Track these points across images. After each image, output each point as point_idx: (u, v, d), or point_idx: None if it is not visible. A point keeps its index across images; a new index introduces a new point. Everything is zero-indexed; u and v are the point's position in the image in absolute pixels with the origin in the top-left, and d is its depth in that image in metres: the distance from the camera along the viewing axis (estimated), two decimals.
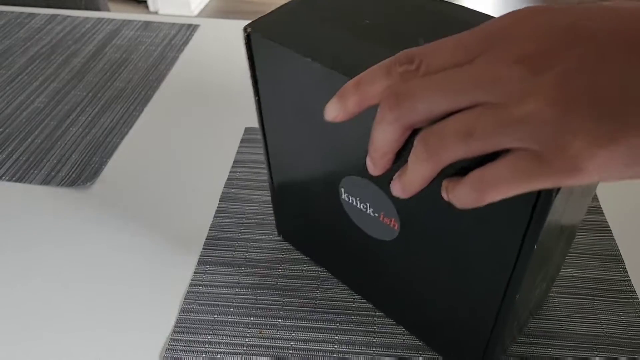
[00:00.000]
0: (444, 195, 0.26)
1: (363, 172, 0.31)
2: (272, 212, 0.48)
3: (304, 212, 0.40)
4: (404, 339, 0.38)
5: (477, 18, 0.32)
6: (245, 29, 0.32)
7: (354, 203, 0.34)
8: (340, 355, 0.37)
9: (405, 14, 0.33)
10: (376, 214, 0.33)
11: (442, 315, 0.35)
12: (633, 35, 0.21)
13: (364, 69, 0.26)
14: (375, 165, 0.28)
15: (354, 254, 0.38)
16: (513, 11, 0.24)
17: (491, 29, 0.24)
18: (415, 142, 0.25)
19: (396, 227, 0.32)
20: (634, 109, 0.21)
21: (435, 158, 0.24)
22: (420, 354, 0.37)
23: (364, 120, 0.27)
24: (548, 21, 0.23)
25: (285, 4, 0.34)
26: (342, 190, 0.34)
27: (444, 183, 0.26)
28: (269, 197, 0.49)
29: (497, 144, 0.22)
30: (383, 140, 0.26)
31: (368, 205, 0.33)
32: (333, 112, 0.27)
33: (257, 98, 0.36)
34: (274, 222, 0.45)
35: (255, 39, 0.32)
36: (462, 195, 0.25)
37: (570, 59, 0.21)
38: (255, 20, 0.33)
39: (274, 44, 0.31)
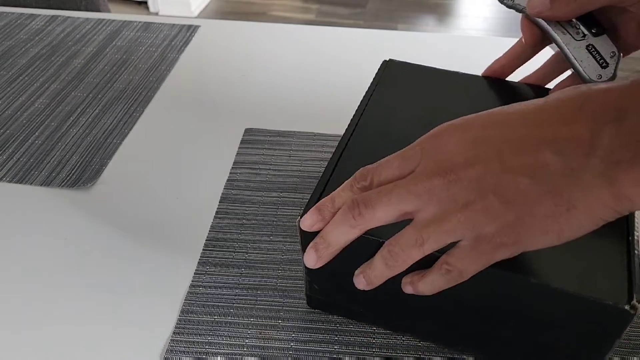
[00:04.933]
0: (407, 289, 0.32)
1: None
2: (272, 212, 0.48)
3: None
4: (403, 340, 0.38)
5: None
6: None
7: None
8: (340, 355, 0.37)
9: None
10: None
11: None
12: (520, 138, 0.29)
13: None
14: (320, 258, 0.33)
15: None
16: (438, 127, 0.32)
17: (425, 146, 0.31)
18: (382, 249, 0.32)
19: None
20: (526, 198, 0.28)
21: (400, 263, 0.31)
22: (420, 354, 0.37)
23: None
24: (460, 137, 0.30)
25: None
26: None
27: (407, 279, 0.32)
28: (269, 198, 0.49)
29: (443, 244, 0.30)
30: (341, 240, 0.32)
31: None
32: (311, 221, 0.33)
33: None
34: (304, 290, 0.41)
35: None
36: (432, 282, 0.31)
37: (477, 168, 0.29)
38: None
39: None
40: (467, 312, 0.34)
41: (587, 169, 0.26)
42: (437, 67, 0.48)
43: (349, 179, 0.33)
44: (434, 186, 0.29)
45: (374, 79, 0.47)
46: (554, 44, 0.43)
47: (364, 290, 0.34)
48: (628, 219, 0.34)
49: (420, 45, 0.74)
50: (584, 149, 0.27)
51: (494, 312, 0.33)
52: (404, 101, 0.44)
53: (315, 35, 0.75)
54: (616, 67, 0.41)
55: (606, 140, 0.26)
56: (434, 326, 0.37)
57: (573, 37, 0.41)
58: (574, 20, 0.41)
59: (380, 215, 0.31)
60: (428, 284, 0.31)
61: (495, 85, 0.46)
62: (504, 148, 0.29)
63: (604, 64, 0.40)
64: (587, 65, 0.41)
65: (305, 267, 0.36)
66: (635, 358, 0.37)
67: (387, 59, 0.49)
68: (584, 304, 0.30)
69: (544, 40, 0.44)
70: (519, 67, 0.47)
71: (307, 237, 0.34)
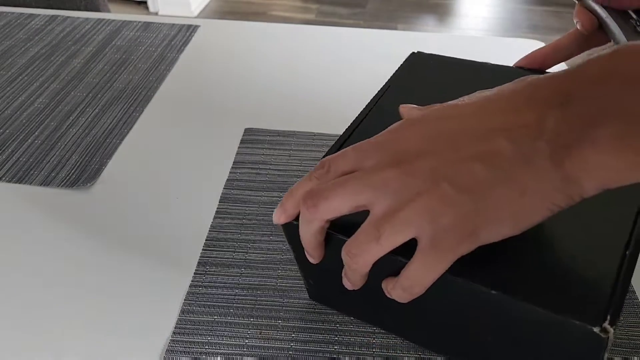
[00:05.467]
0: (387, 293, 0.32)
1: None
2: (272, 212, 0.48)
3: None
4: (403, 340, 0.38)
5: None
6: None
7: None
8: (340, 355, 0.37)
9: None
10: None
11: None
12: (474, 128, 0.29)
13: None
14: (312, 257, 0.34)
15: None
16: (397, 122, 0.32)
17: (381, 139, 0.31)
18: (342, 249, 0.30)
19: None
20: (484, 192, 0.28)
21: (360, 261, 0.30)
22: (420, 354, 0.37)
23: None
24: (415, 131, 0.30)
25: None
26: None
27: (384, 284, 0.32)
28: (269, 198, 0.49)
29: (402, 239, 0.29)
30: (307, 235, 0.32)
31: None
32: (277, 216, 0.34)
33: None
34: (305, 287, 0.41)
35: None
36: (399, 295, 0.31)
37: (431, 158, 0.29)
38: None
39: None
40: (443, 320, 0.33)
41: (537, 154, 0.26)
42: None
43: (312, 169, 0.33)
44: (388, 177, 0.29)
45: (398, 68, 0.46)
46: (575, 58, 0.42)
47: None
48: (632, 233, 0.31)
49: (420, 45, 0.74)
50: (532, 134, 0.27)
51: (471, 323, 0.32)
52: (425, 90, 0.43)
53: (315, 35, 0.75)
54: None
55: (552, 124, 0.26)
56: (418, 330, 0.37)
57: (632, 31, 0.40)
58: (631, 13, 0.41)
59: (336, 206, 0.30)
60: (399, 293, 0.31)
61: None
62: (458, 138, 0.29)
63: None
64: None
65: (298, 263, 0.36)
66: (635, 358, 0.37)
67: (415, 51, 0.48)
68: (551, 321, 0.28)
69: (598, 35, 0.43)
70: (563, 61, 0.45)
71: (289, 233, 0.34)
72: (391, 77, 0.46)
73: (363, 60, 0.70)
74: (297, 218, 0.33)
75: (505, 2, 2.80)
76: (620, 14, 0.41)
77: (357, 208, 0.30)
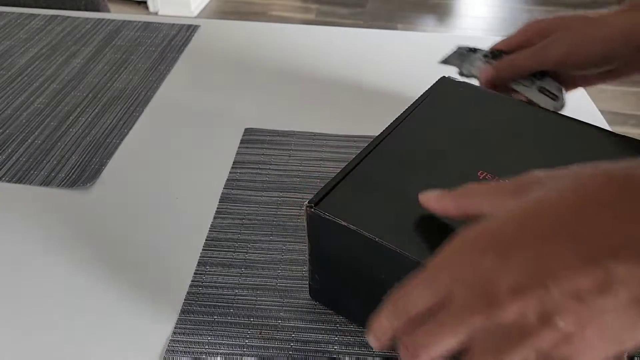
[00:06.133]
0: None
1: None
2: (272, 212, 0.48)
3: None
4: None
5: None
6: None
7: None
8: (340, 355, 0.37)
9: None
10: None
11: None
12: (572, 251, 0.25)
13: None
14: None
15: None
16: (459, 238, 0.28)
17: (451, 269, 0.28)
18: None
19: None
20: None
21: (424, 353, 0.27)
22: None
23: None
24: (493, 257, 0.26)
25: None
26: None
27: None
28: (269, 198, 0.49)
29: None
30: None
31: None
32: (372, 342, 0.30)
33: None
34: (307, 283, 0.41)
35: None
36: None
37: (529, 298, 0.25)
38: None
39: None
40: None
41: None
42: (492, 91, 0.48)
43: (384, 311, 0.29)
44: (479, 327, 0.26)
45: (424, 92, 0.46)
46: None
47: (367, 290, 0.34)
48: None
49: (420, 45, 0.74)
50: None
51: None
52: (448, 117, 0.43)
53: (315, 35, 0.75)
54: (564, 97, 0.50)
55: None
56: None
57: (526, 85, 0.50)
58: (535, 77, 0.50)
59: (438, 352, 0.27)
60: None
61: (553, 122, 0.43)
62: (553, 266, 0.25)
63: (555, 98, 0.49)
64: (544, 103, 0.48)
65: (309, 255, 0.36)
66: (635, 358, 0.37)
67: (444, 76, 0.48)
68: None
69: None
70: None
71: (312, 224, 0.34)
72: (417, 99, 0.45)
73: (363, 60, 0.70)
74: (323, 211, 0.34)
75: (505, 2, 2.80)
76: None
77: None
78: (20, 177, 0.51)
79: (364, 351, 0.38)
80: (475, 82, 0.51)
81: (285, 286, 0.42)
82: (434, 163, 0.38)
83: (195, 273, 0.43)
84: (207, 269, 0.43)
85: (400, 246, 0.32)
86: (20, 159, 0.53)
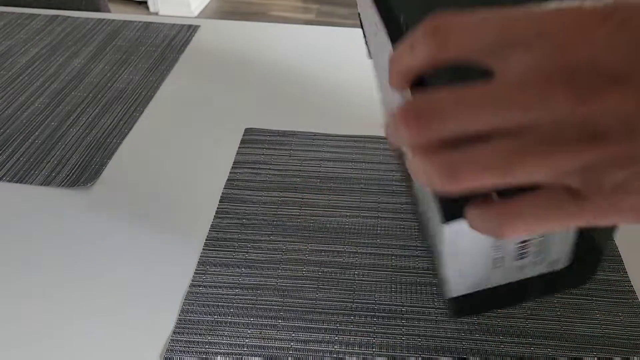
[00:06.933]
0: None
1: None
2: (272, 212, 0.48)
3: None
4: (403, 340, 0.38)
5: None
6: None
7: None
8: (340, 355, 0.37)
9: None
10: None
11: None
12: None
13: None
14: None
15: None
16: (578, 7, 0.19)
17: (544, 24, 0.19)
18: (430, 167, 0.21)
19: None
20: None
21: (456, 189, 0.21)
22: (420, 354, 0.37)
23: None
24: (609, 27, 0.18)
25: None
26: None
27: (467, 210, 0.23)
28: (269, 198, 0.49)
29: (542, 178, 0.20)
30: (399, 141, 0.22)
31: None
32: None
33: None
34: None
35: None
36: (482, 224, 0.22)
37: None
38: None
39: None
40: None
41: None
42: None
43: (413, 33, 0.21)
44: (562, 102, 0.19)
45: None
46: None
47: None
48: None
49: None
50: None
51: None
52: None
53: (315, 35, 0.75)
54: None
55: None
56: None
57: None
58: None
59: (452, 128, 0.20)
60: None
61: None
62: None
63: None
64: None
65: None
66: (635, 358, 0.37)
67: None
68: None
69: None
70: None
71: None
72: None
73: (363, 60, 0.70)
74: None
75: None
76: None
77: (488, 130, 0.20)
78: (21, 177, 0.51)
79: (364, 351, 0.38)
80: None
81: (285, 286, 0.42)
82: None
83: (195, 273, 0.43)
84: (207, 268, 0.43)
85: None
86: (21, 158, 0.53)
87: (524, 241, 0.30)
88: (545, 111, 0.19)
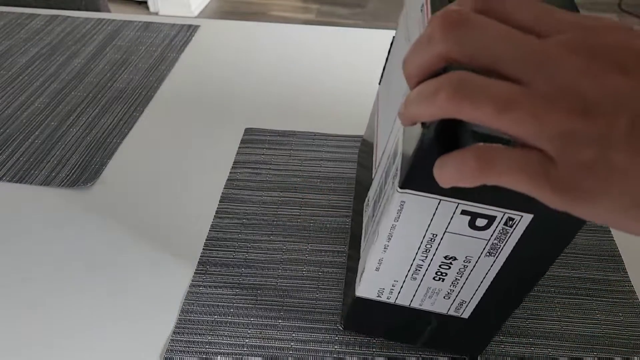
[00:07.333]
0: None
1: None
2: (272, 212, 0.48)
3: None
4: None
5: None
6: None
7: None
8: (340, 355, 0.37)
9: None
10: None
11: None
12: None
13: None
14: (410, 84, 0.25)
15: None
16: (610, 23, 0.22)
17: (585, 21, 0.22)
18: (443, 78, 0.22)
19: None
20: None
21: (453, 108, 0.21)
22: (420, 354, 0.37)
23: None
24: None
25: None
26: None
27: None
28: (269, 198, 0.49)
29: (525, 131, 0.21)
30: (414, 63, 0.23)
31: None
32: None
33: None
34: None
35: None
36: (458, 159, 0.23)
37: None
38: None
39: None
40: None
41: None
42: None
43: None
44: (575, 67, 0.21)
45: None
46: None
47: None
48: None
49: None
50: None
51: None
52: None
53: (315, 35, 0.75)
54: None
55: None
56: None
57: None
58: None
59: (478, 44, 0.22)
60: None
61: None
62: None
63: None
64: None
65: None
66: (635, 358, 0.37)
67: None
68: None
69: None
70: None
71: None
72: None
73: (363, 60, 0.70)
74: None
75: None
76: None
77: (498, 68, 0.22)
78: (21, 176, 0.51)
79: (364, 351, 0.38)
80: None
81: (285, 286, 0.42)
82: None
83: (195, 273, 0.43)
84: (207, 268, 0.43)
85: None
86: (21, 158, 0.53)
87: (449, 261, 0.31)
88: (557, 69, 0.21)
